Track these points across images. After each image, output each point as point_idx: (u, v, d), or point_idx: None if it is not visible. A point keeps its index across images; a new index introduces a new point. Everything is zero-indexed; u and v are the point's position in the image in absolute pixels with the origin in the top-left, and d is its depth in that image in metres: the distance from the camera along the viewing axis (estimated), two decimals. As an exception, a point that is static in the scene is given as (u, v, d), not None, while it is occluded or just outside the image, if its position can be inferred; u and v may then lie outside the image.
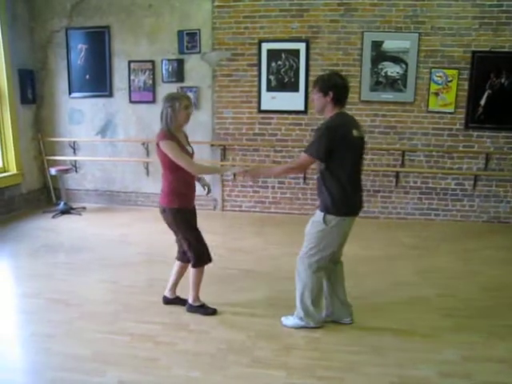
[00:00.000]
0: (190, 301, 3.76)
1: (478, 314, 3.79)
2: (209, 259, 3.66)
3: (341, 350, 3.21)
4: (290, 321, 3.54)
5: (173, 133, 3.44)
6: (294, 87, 6.54)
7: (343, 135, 3.12)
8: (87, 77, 7.08)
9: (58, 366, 2.99)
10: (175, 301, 3.89)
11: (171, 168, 3.47)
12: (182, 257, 3.78)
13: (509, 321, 3.69)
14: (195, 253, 3.57)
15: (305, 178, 6.78)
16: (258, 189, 6.97)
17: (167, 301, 3.90)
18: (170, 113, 3.40)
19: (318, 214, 3.29)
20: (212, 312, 3.72)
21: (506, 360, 3.12)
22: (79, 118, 7.26)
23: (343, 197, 3.20)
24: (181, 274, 3.87)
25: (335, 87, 3.16)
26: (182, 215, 3.52)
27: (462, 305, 3.97)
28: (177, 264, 3.85)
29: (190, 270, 3.67)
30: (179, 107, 3.39)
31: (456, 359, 3.12)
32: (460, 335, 3.44)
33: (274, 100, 6.61)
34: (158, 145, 3.46)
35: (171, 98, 3.43)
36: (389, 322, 3.61)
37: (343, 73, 6.30)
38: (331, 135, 3.10)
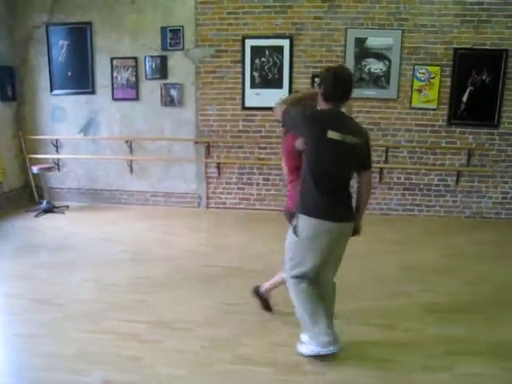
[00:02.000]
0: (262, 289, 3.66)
1: (460, 309, 3.84)
2: None
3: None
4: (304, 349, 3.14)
5: None
6: (277, 84, 6.53)
7: (316, 128, 2.85)
8: (69, 74, 6.99)
9: (40, 366, 2.96)
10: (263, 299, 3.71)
11: None
12: None
13: (489, 314, 3.74)
14: None
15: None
16: (242, 186, 6.96)
17: (257, 293, 3.70)
18: None
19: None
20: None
21: (487, 352, 3.16)
22: (61, 115, 7.17)
23: (308, 197, 2.92)
24: None
25: (324, 82, 2.93)
26: None
27: (445, 300, 4.01)
28: None
29: None
30: None
31: (438, 353, 3.16)
32: (442, 329, 3.47)
33: (258, 97, 6.60)
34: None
35: None
36: (372, 317, 3.63)
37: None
38: (308, 118, 2.90)
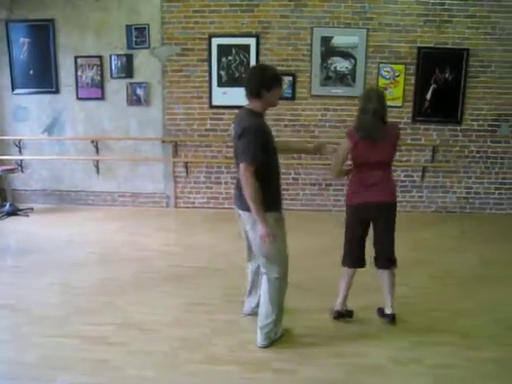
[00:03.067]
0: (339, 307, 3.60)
1: (428, 301, 3.92)
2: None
3: (295, 342, 3.24)
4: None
5: None
6: (245, 82, 6.52)
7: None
8: (31, 72, 6.82)
9: (3, 374, 2.87)
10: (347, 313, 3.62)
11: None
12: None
13: (455, 306, 3.83)
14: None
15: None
16: (210, 185, 6.92)
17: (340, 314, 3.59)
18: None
19: None
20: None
21: (454, 344, 3.24)
22: (24, 115, 6.99)
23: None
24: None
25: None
26: None
27: (413, 293, 4.08)
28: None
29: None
30: None
31: (407, 346, 3.21)
32: (410, 322, 3.54)
33: (225, 95, 6.58)
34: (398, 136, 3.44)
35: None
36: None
37: (293, 68, 6.48)
38: None
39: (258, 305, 3.35)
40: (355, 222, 3.45)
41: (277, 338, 3.23)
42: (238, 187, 3.12)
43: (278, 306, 3.20)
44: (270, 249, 3.04)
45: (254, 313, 3.45)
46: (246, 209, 3.02)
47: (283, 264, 3.16)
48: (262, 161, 2.94)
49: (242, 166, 2.96)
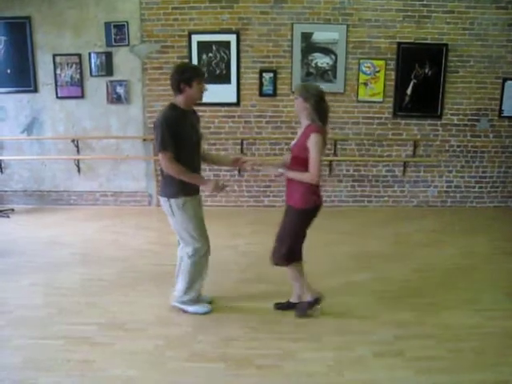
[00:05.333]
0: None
1: (410, 294, 3.97)
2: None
3: (279, 338, 3.25)
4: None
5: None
6: (225, 79, 6.51)
7: None
8: (8, 71, 6.72)
9: (-16, 377, 2.84)
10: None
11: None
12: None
13: (436, 298, 3.88)
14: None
15: (239, 171, 6.79)
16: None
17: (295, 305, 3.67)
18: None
19: None
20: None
21: (435, 335, 3.28)
22: (2, 115, 6.88)
23: None
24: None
25: None
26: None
27: (395, 286, 4.13)
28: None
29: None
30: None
31: (389, 339, 3.25)
32: (393, 315, 3.58)
33: (206, 92, 6.50)
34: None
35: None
36: (326, 308, 3.67)
37: (274, 65, 6.48)
38: None
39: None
40: (310, 222, 3.45)
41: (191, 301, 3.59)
42: (162, 175, 3.50)
43: (192, 282, 3.54)
44: (181, 230, 3.45)
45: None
46: (161, 194, 3.45)
47: (195, 243, 3.47)
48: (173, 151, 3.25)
49: (159, 155, 3.28)
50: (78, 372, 2.87)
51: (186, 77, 3.29)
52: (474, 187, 6.95)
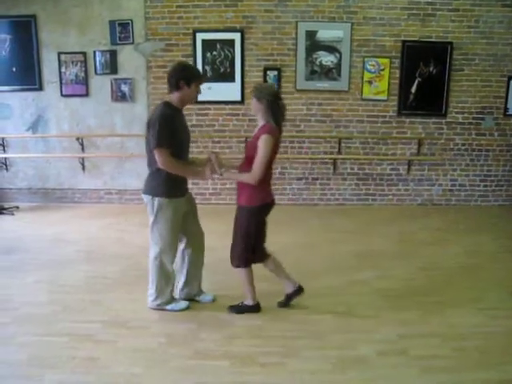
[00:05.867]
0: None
1: (414, 293, 3.95)
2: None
3: (282, 336, 3.25)
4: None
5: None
6: (230, 77, 6.52)
7: None
8: (14, 69, 6.74)
9: (-10, 373, 2.85)
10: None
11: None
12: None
13: (441, 297, 3.87)
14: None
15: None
16: (196, 180, 6.90)
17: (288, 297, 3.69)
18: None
19: None
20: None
21: (439, 334, 3.27)
22: (7, 112, 6.90)
23: None
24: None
25: None
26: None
27: (399, 285, 4.12)
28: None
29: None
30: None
31: (393, 337, 3.24)
32: (396, 314, 3.57)
33: (210, 91, 6.51)
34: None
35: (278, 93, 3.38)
36: (330, 306, 3.68)
37: (278, 63, 6.48)
38: None
39: (187, 284, 3.75)
40: (264, 220, 3.45)
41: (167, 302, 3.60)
42: (151, 173, 3.43)
43: (161, 288, 3.54)
44: (155, 229, 3.44)
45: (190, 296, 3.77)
46: (145, 192, 3.44)
47: (163, 246, 3.45)
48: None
49: (156, 152, 3.23)
50: (82, 369, 2.88)
51: (187, 76, 3.29)
52: (478, 186, 6.93)
